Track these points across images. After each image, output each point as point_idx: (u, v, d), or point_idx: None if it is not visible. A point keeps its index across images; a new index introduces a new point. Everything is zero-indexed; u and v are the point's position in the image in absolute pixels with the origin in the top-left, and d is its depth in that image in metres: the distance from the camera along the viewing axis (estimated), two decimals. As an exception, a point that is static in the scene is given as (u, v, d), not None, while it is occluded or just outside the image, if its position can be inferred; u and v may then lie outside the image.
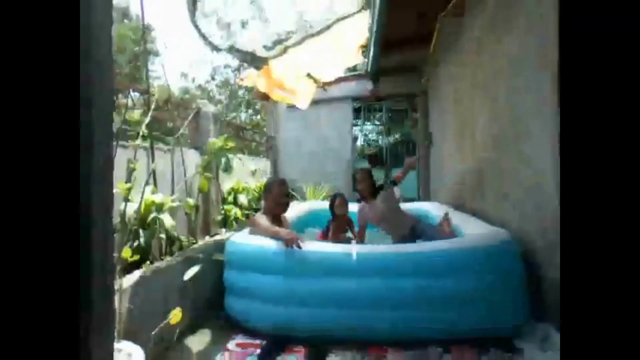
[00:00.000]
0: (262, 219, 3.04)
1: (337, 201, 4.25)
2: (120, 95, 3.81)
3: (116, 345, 1.46)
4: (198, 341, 2.56)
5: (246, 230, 3.19)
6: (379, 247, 2.78)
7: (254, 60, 3.15)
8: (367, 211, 3.90)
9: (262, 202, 3.38)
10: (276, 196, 3.25)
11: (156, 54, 18.88)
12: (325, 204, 4.87)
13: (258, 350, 2.40)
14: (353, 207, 4.33)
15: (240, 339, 2.58)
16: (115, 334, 1.65)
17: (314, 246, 2.71)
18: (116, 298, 1.83)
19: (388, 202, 3.87)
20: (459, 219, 3.79)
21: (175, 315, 1.96)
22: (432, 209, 4.97)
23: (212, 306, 2.96)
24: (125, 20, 20.85)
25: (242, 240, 2.88)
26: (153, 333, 1.99)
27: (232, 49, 2.76)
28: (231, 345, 2.49)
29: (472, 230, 3.15)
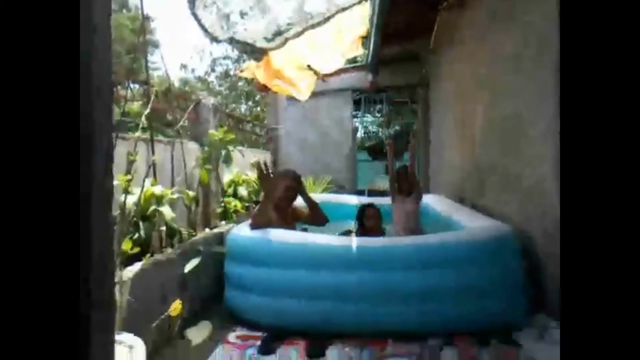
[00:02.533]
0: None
1: (368, 212, 3.81)
2: (119, 87, 3.79)
3: (117, 337, 1.47)
4: (198, 333, 2.56)
5: (247, 222, 3.19)
6: (380, 240, 2.78)
7: (254, 52, 3.13)
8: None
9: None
10: (286, 188, 3.25)
11: (155, 44, 18.80)
12: (329, 197, 4.84)
13: (258, 343, 2.40)
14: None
15: (240, 331, 2.58)
16: (116, 325, 1.66)
17: (315, 238, 2.71)
18: (116, 290, 1.83)
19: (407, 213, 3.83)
20: (459, 212, 3.79)
21: (176, 307, 1.97)
22: (434, 202, 4.96)
23: (212, 298, 2.97)
24: (124, 11, 20.71)
25: (243, 233, 2.88)
26: (154, 325, 2.00)
27: (232, 41, 2.74)
28: (231, 337, 2.50)
29: (472, 223, 3.15)
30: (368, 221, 3.73)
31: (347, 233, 3.91)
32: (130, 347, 1.55)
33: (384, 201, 4.42)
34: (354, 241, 2.61)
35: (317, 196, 5.73)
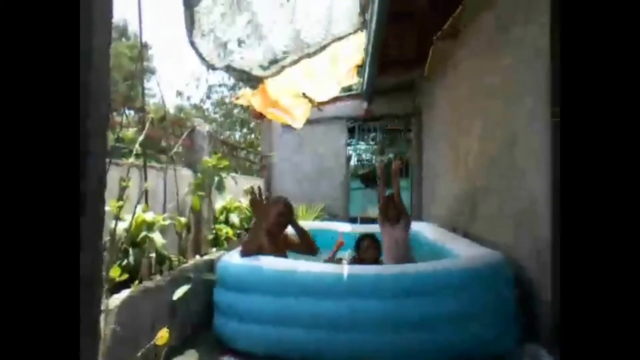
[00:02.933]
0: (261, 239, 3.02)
1: (366, 243, 3.75)
2: (114, 113, 3.80)
3: (102, 367, 1.43)
4: (185, 363, 2.51)
5: (237, 249, 3.17)
6: (372, 268, 2.76)
7: (250, 79, 3.16)
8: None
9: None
10: (278, 215, 3.24)
11: (152, 71, 18.99)
12: (321, 225, 4.81)
13: (247, 373, 2.35)
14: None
15: (228, 359, 2.53)
16: (100, 355, 1.62)
17: (305, 266, 2.69)
18: (101, 318, 1.80)
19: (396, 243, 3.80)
20: (451, 241, 3.79)
21: (162, 336, 1.93)
22: (426, 230, 4.96)
23: (201, 326, 2.92)
24: (123, 39, 21.00)
25: (233, 260, 2.85)
26: (139, 354, 1.95)
27: (228, 68, 2.77)
28: (220, 366, 2.45)
29: (464, 251, 3.15)
30: (364, 253, 3.69)
31: (338, 261, 3.86)
32: (115, 377, 1.51)
33: (375, 228, 4.41)
34: (346, 269, 2.59)
35: (309, 223, 5.72)
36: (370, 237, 3.78)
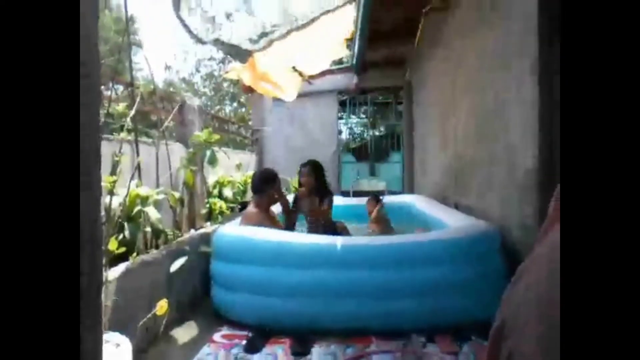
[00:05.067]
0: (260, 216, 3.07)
1: (304, 170, 3.78)
2: (102, 88, 3.77)
3: (104, 336, 1.48)
4: (184, 333, 2.58)
5: (235, 221, 3.22)
6: (363, 239, 2.82)
7: (239, 54, 3.14)
8: None
9: (255, 194, 3.34)
10: (278, 188, 3.28)
11: (139, 45, 18.59)
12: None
13: (244, 342, 2.42)
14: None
15: (225, 330, 2.60)
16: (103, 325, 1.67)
17: (299, 237, 2.74)
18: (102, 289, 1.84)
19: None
20: (441, 211, 3.86)
21: (162, 307, 1.98)
22: (416, 202, 5.04)
23: (198, 298, 2.98)
24: (107, 11, 20.46)
25: (230, 232, 2.90)
26: (140, 324, 2.01)
27: (217, 42, 2.75)
28: (217, 336, 2.51)
29: (454, 222, 3.22)
30: (302, 177, 3.71)
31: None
32: (117, 345, 1.56)
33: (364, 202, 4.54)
34: (340, 240, 2.65)
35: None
36: (310, 163, 3.78)
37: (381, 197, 4.33)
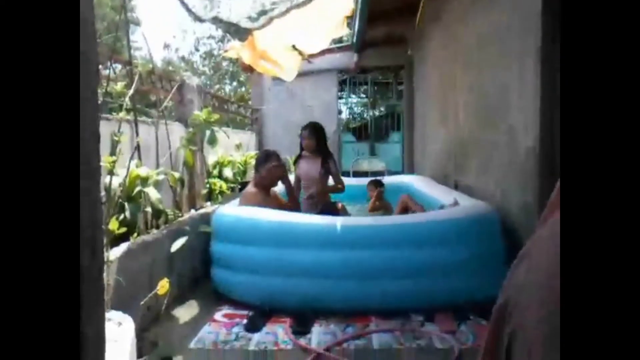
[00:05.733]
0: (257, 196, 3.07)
1: (305, 132, 3.76)
2: (100, 67, 3.72)
3: (106, 314, 1.49)
4: (185, 312, 2.61)
5: (235, 201, 3.21)
6: (364, 219, 2.83)
7: (238, 32, 3.09)
8: None
9: (255, 174, 3.33)
10: (281, 168, 3.28)
11: (137, 23, 18.32)
12: None
13: (244, 321, 2.45)
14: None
15: (226, 309, 2.63)
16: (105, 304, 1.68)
17: (299, 217, 2.75)
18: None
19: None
20: (441, 192, 3.86)
21: (163, 286, 2.00)
22: (416, 182, 5.04)
23: (199, 277, 3.01)
24: (104, -12, 20.09)
25: (230, 212, 2.90)
26: (142, 303, 2.03)
27: (215, 20, 2.71)
28: (218, 315, 2.54)
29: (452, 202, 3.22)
30: (303, 141, 3.71)
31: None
32: (119, 323, 1.58)
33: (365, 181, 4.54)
34: (339, 220, 2.66)
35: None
36: (311, 126, 3.78)
37: (383, 184, 4.29)
